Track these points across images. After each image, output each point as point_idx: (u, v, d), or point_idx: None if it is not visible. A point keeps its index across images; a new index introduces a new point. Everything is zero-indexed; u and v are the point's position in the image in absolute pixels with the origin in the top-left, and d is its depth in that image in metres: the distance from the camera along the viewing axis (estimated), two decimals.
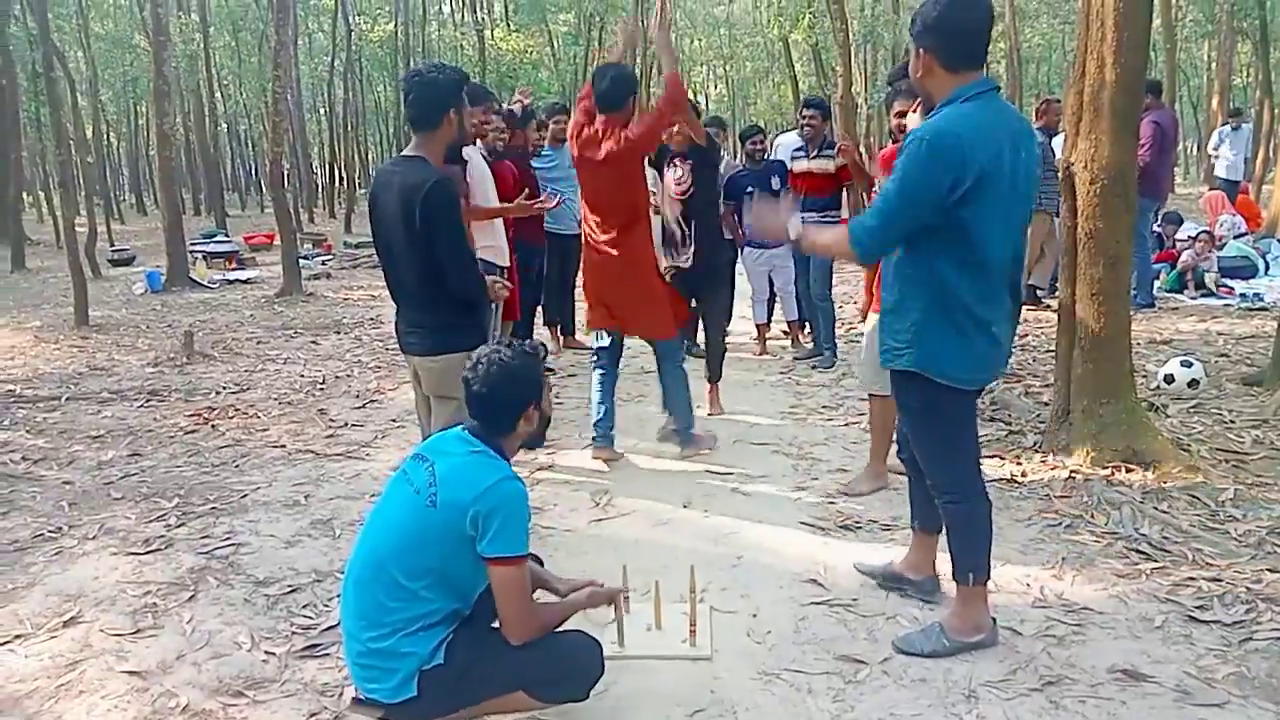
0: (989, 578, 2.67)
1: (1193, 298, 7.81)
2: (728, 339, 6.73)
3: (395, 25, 25.39)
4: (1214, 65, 22.65)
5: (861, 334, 7.09)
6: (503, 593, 2.03)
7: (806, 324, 6.61)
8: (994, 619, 2.72)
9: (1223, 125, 11.93)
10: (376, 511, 2.18)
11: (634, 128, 3.98)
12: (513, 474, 2.08)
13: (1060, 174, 4.17)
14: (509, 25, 25.75)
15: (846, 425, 4.86)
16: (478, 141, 4.76)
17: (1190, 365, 4.94)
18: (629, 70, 4.21)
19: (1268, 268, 8.46)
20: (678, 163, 4.60)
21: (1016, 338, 6.59)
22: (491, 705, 2.09)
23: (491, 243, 4.49)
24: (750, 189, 6.07)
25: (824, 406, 5.25)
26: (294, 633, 2.88)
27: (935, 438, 2.63)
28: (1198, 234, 8.51)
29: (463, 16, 28.52)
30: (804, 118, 6.06)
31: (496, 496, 2.00)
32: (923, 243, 2.42)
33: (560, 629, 2.23)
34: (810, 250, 2.76)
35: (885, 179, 3.42)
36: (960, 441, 2.63)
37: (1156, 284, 7.89)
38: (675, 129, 4.51)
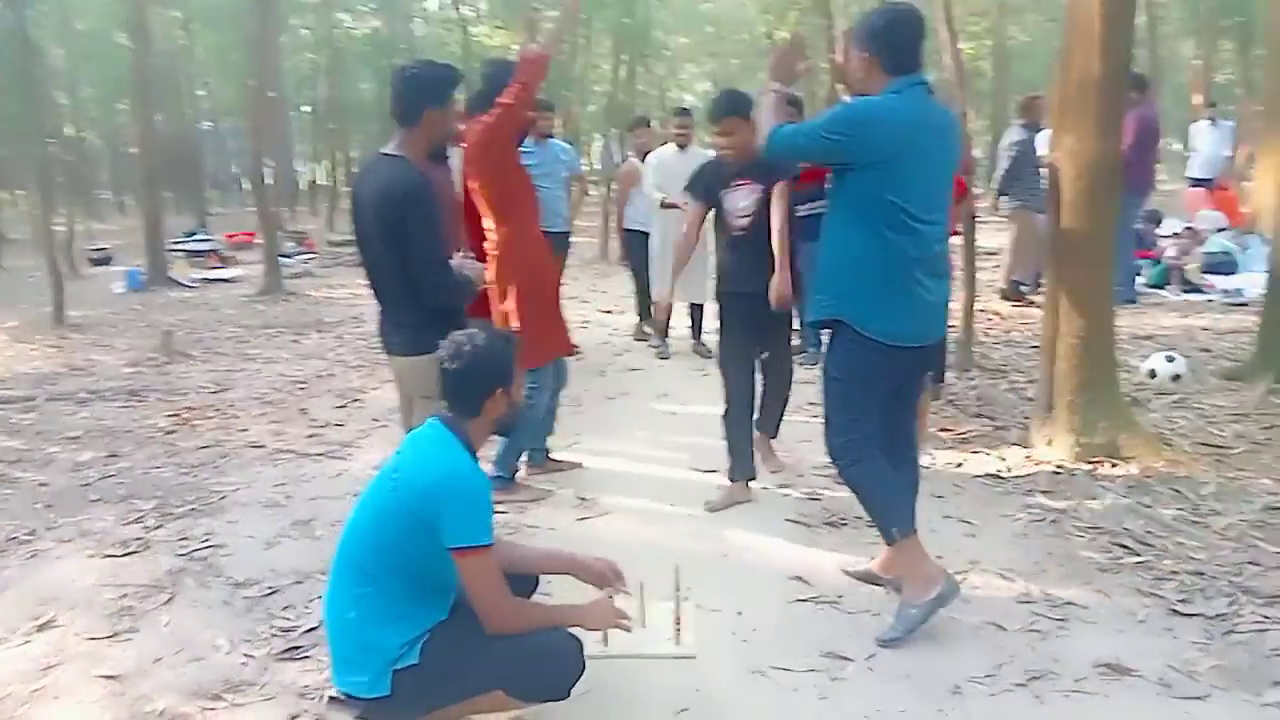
0: (914, 528, 2.73)
1: (1175, 294, 7.86)
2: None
3: (380, 22, 25.22)
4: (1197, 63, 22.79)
5: None
6: (470, 584, 2.02)
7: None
8: (946, 572, 2.73)
9: (1199, 120, 11.75)
10: (356, 506, 2.19)
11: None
12: (473, 463, 2.09)
13: (1044, 169, 4.18)
14: (494, 22, 25.62)
15: None
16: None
17: (1173, 360, 4.97)
18: (494, 69, 3.86)
19: (1249, 263, 8.51)
20: (743, 185, 3.63)
21: (1001, 333, 6.66)
22: (470, 705, 2.07)
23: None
24: None
25: (809, 403, 5.22)
26: (273, 635, 2.84)
27: (844, 403, 2.75)
28: (1181, 230, 8.57)
29: (448, 13, 28.36)
30: (789, 117, 6.12)
31: (453, 485, 2.00)
32: (852, 210, 2.66)
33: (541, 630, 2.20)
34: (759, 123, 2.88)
35: None
36: (866, 407, 2.75)
37: (1139, 279, 7.93)
38: (727, 143, 3.58)
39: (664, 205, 6.22)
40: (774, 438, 4.22)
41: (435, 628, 2.07)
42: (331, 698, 2.11)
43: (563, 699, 2.14)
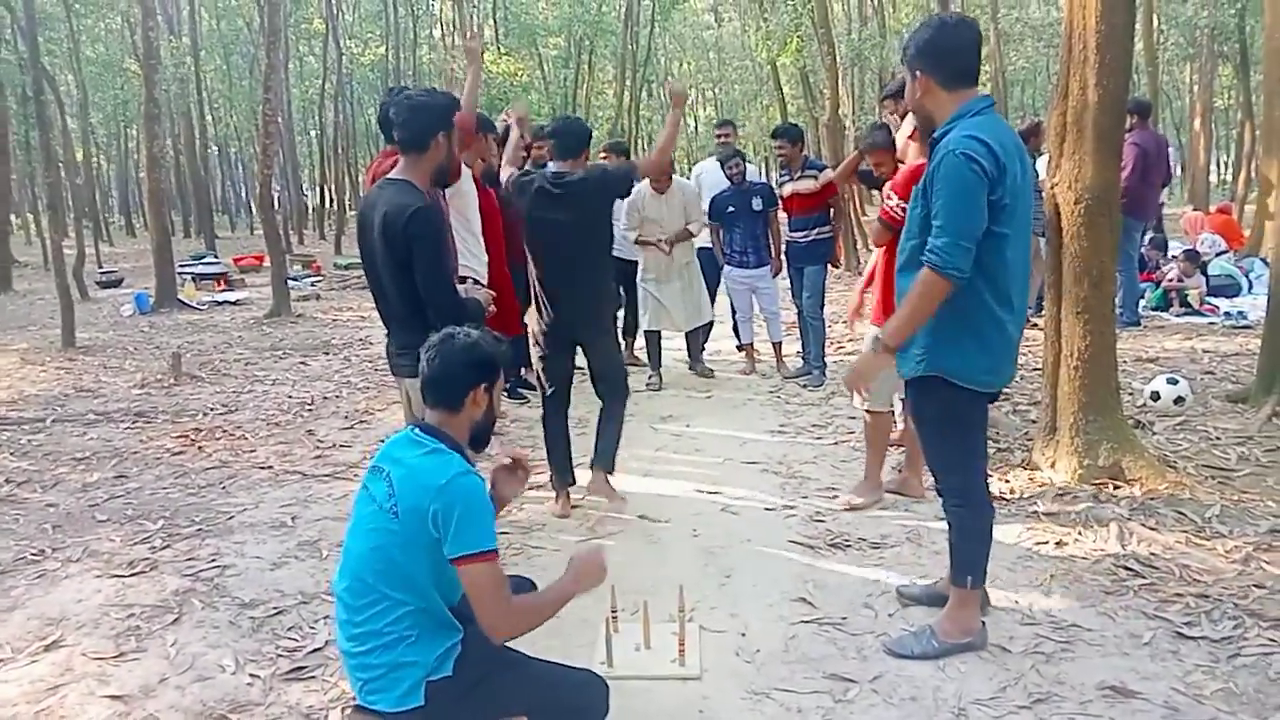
0: (984, 583, 2.73)
1: (1178, 316, 7.87)
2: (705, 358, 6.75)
3: (385, 49, 25.54)
4: (1195, 88, 22.96)
5: (853, 353, 7.15)
6: (475, 593, 1.95)
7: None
8: (984, 623, 2.76)
9: None
10: (350, 532, 2.11)
11: None
12: (468, 468, 2.01)
13: (1044, 195, 4.21)
14: (499, 48, 25.94)
15: (835, 444, 4.87)
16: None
17: (1176, 383, 4.97)
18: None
19: (1251, 286, 8.54)
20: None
21: None
22: None
23: (471, 263, 4.44)
24: (732, 208, 6.27)
25: (813, 425, 5.26)
26: (279, 655, 2.85)
27: (951, 444, 2.67)
28: (1180, 253, 8.60)
29: (453, 40, 28.72)
30: (777, 149, 6.23)
31: (451, 493, 1.93)
32: None
33: (572, 665, 2.22)
34: (908, 332, 2.53)
35: (894, 196, 3.50)
36: (974, 446, 2.69)
37: (1141, 303, 7.95)
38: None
39: (639, 243, 6.25)
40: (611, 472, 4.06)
41: (462, 640, 2.06)
42: (357, 706, 2.09)
43: None
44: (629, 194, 4.38)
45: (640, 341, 7.08)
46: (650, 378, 6.44)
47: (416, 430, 2.10)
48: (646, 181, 5.94)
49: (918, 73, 2.51)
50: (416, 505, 1.95)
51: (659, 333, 6.50)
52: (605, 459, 4.04)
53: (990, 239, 2.43)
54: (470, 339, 2.11)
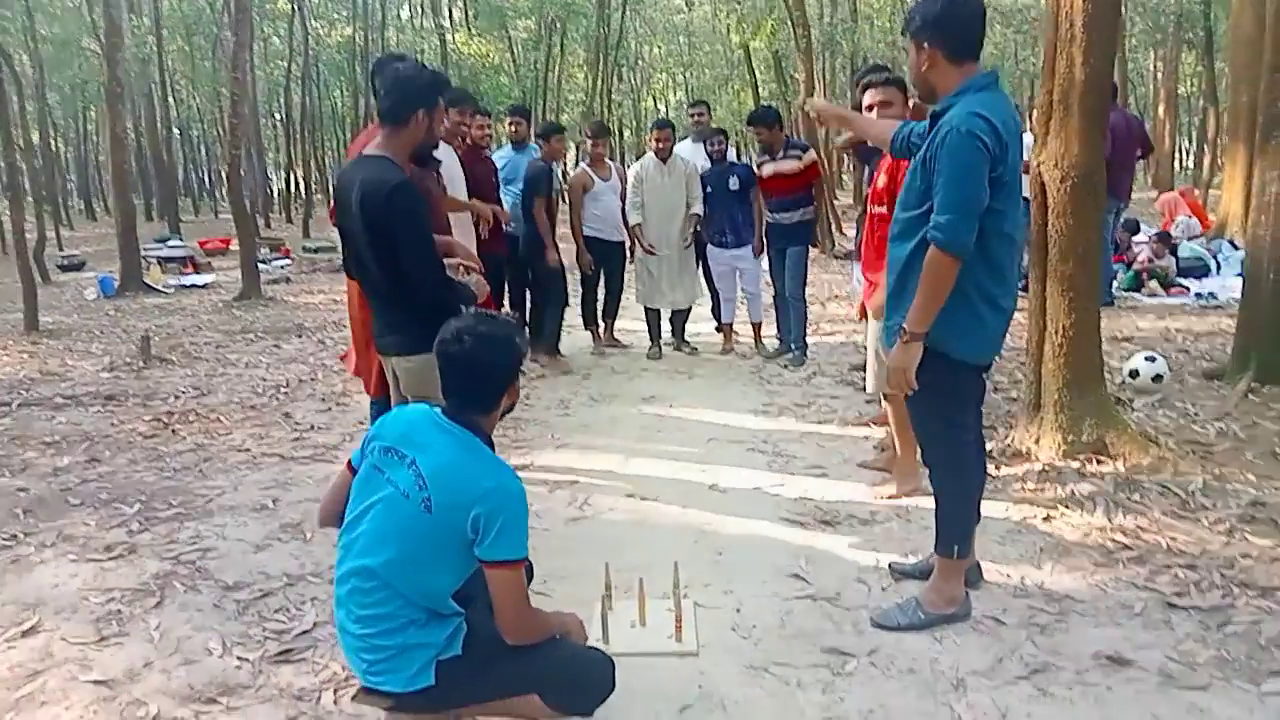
0: (970, 553, 2.73)
1: (1149, 296, 7.99)
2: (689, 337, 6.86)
3: (353, 29, 25.11)
4: (1160, 74, 23.31)
5: (832, 333, 7.16)
6: (503, 596, 1.93)
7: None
8: (967, 593, 2.77)
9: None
10: (358, 514, 2.01)
11: None
12: (512, 471, 1.98)
13: (1030, 173, 4.22)
14: (469, 30, 25.62)
15: (819, 422, 4.87)
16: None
17: (1154, 360, 5.03)
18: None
19: (1219, 267, 8.69)
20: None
21: None
22: (502, 705, 2.03)
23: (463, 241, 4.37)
24: (709, 188, 6.28)
25: (796, 404, 5.26)
26: (267, 637, 2.79)
27: (939, 415, 2.67)
28: (1152, 235, 8.73)
29: (422, 21, 28.33)
30: (755, 134, 6.22)
31: (499, 497, 1.89)
32: None
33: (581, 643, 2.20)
34: (931, 314, 2.46)
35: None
36: (963, 418, 2.69)
37: (1114, 283, 8.06)
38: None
39: (631, 230, 6.37)
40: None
41: (467, 618, 2.03)
42: (363, 689, 2.04)
43: (589, 716, 2.10)
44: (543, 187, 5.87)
45: (620, 323, 7.08)
46: (650, 349, 6.62)
47: (442, 415, 2.01)
48: (650, 154, 6.32)
49: (925, 44, 2.49)
50: (456, 504, 1.88)
51: (658, 310, 6.62)
52: (550, 341, 6.30)
53: (987, 214, 2.44)
54: (497, 328, 2.00)
